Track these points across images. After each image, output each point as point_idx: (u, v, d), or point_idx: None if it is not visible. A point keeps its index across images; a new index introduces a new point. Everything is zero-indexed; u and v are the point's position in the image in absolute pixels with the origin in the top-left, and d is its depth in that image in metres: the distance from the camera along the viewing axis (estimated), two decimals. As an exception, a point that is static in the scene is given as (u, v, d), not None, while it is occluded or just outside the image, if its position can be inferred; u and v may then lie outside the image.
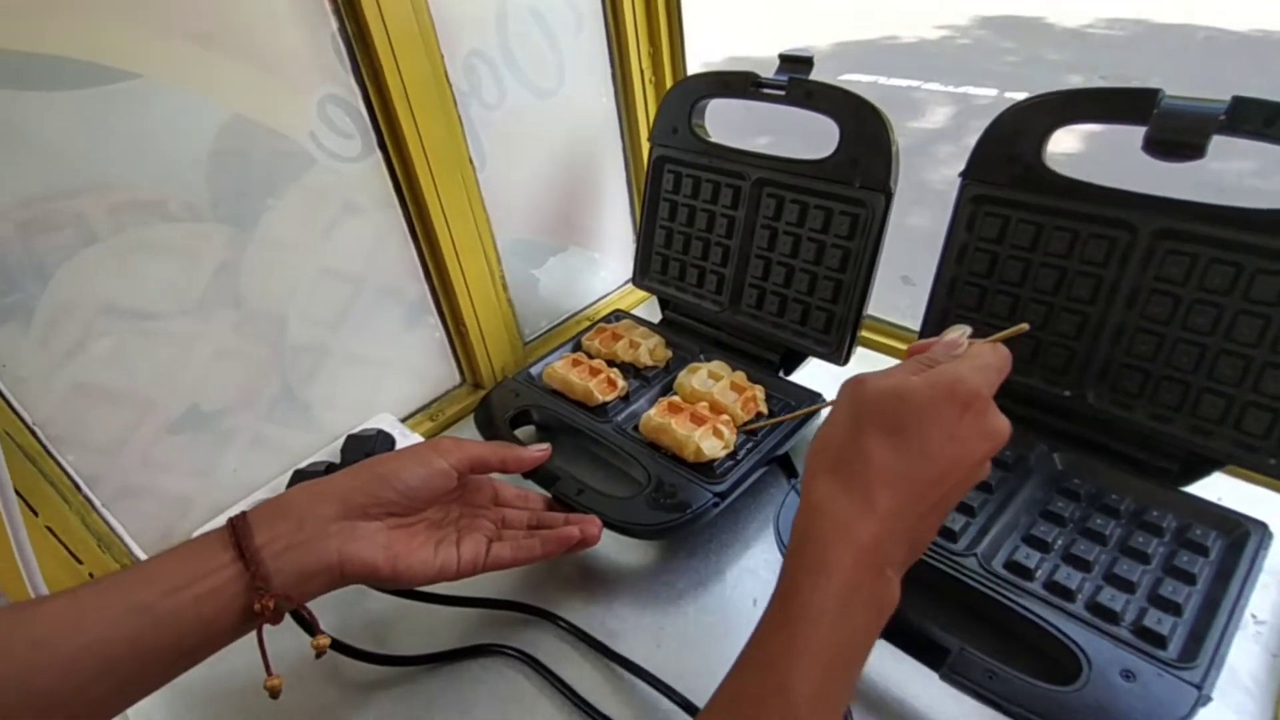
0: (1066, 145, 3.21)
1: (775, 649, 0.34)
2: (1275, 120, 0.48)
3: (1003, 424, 0.39)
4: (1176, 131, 0.51)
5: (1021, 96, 0.58)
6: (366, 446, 0.68)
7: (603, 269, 0.96)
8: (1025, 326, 0.47)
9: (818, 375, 0.73)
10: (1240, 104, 0.49)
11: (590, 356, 0.77)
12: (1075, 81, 4.50)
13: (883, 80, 4.79)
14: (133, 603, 0.41)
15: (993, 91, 4.49)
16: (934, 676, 0.47)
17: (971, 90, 4.54)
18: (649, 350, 0.76)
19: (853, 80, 4.81)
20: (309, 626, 0.51)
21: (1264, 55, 4.61)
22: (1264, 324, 0.51)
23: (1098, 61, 4.80)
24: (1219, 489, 0.57)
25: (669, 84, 0.87)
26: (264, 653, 0.45)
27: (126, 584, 0.42)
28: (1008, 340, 0.45)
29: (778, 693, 0.32)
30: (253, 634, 0.44)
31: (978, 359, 0.41)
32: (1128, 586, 0.49)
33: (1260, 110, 0.48)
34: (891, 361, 0.78)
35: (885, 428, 0.37)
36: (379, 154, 0.67)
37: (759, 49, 5.70)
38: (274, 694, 0.46)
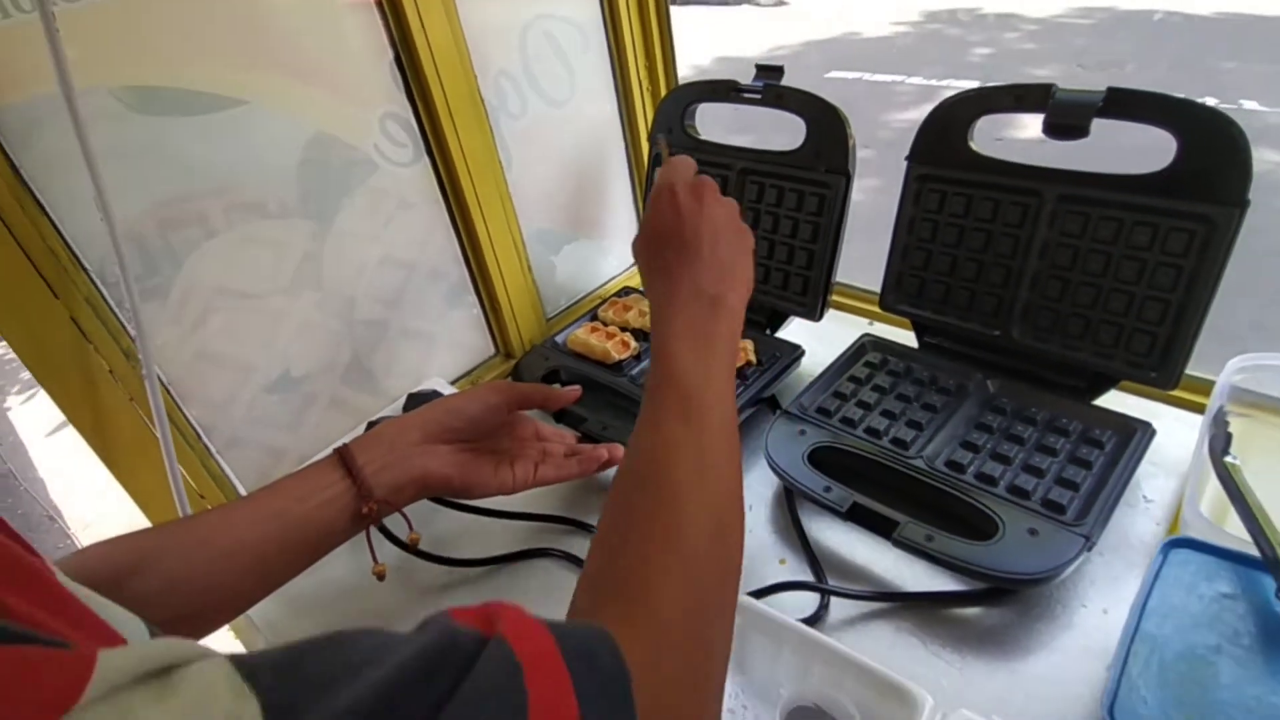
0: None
1: (659, 369, 0.48)
2: (1139, 105, 0.62)
3: (700, 181, 0.57)
4: (1066, 116, 0.65)
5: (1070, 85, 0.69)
6: (424, 400, 0.81)
7: (611, 254, 1.10)
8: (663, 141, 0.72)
9: (798, 331, 0.87)
10: (1113, 93, 0.63)
11: (605, 324, 0.90)
12: (1052, 69, 4.65)
13: (866, 76, 4.94)
14: (272, 509, 0.54)
15: (974, 83, 4.64)
16: (889, 546, 0.61)
17: (953, 83, 4.68)
18: (655, 317, 0.89)
19: (838, 77, 4.95)
20: (400, 543, 0.65)
21: (1230, 36, 4.75)
22: (1141, 265, 0.64)
23: (1070, 49, 4.94)
24: (1127, 403, 0.71)
25: (663, 91, 1.01)
26: (371, 546, 0.59)
27: (265, 496, 0.56)
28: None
29: (668, 380, 0.47)
30: (344, 554, 0.57)
31: (665, 170, 0.58)
32: (1038, 473, 0.63)
33: (1127, 98, 0.62)
34: (857, 320, 0.92)
35: (657, 245, 0.55)
36: (427, 159, 0.81)
37: (744, 49, 5.85)
38: (380, 577, 0.60)
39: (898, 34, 5.83)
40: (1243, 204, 0.59)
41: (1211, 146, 0.59)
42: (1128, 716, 0.44)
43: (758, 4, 7.30)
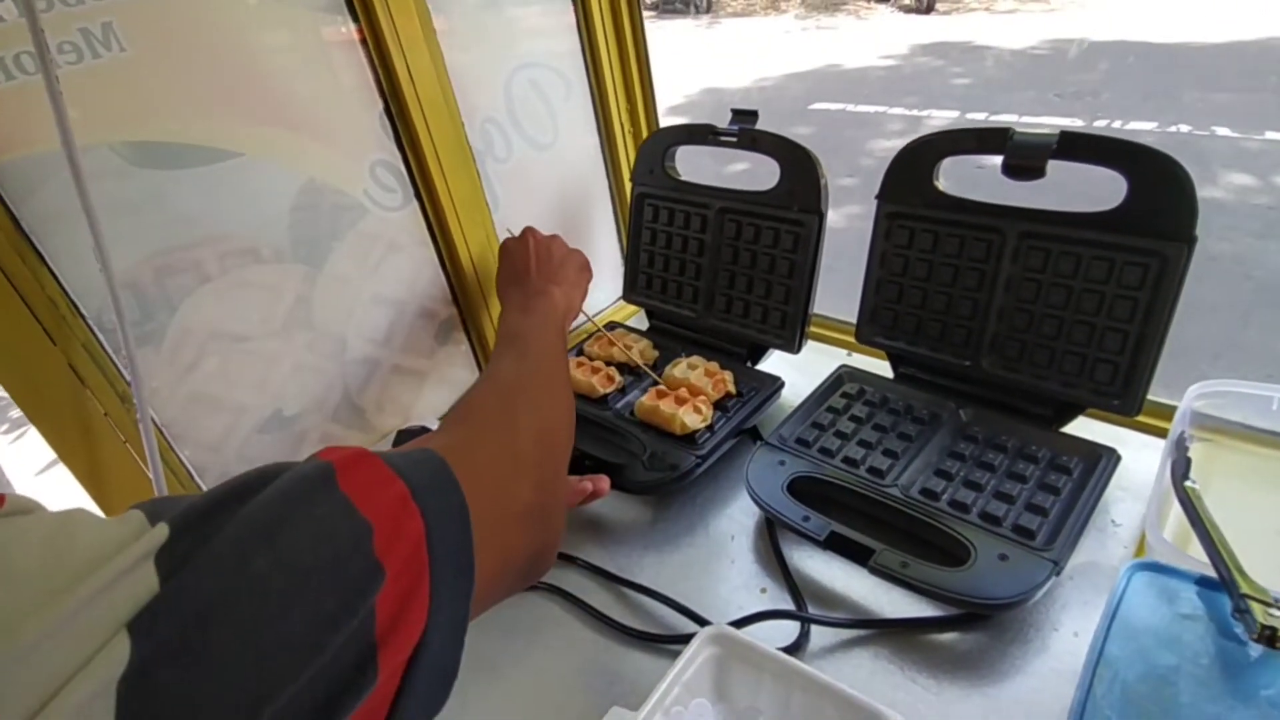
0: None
1: (498, 333, 0.68)
2: (1090, 147, 0.65)
3: (525, 230, 0.82)
4: (1023, 158, 0.68)
5: (981, 117, 0.74)
6: (414, 436, 0.83)
7: (596, 291, 1.12)
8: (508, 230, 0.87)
9: (778, 363, 0.89)
10: (1066, 136, 0.66)
11: (591, 359, 0.92)
12: (1029, 99, 4.78)
13: (850, 108, 5.05)
14: None
15: (954, 113, 4.76)
16: (867, 574, 0.62)
17: (934, 113, 4.80)
18: (640, 351, 0.92)
19: (822, 109, 5.07)
20: None
21: (1198, 64, 4.91)
22: (1100, 298, 0.67)
23: (1044, 80, 5.08)
24: (1095, 430, 0.73)
25: (644, 133, 1.05)
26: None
27: None
28: None
29: (502, 335, 0.66)
30: None
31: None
32: (1009, 499, 0.65)
33: (1079, 140, 0.66)
34: (835, 351, 0.94)
35: (506, 279, 0.80)
36: (415, 203, 0.84)
37: (732, 79, 5.99)
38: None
39: (878, 66, 5.99)
40: (1190, 240, 0.62)
41: (1158, 186, 0.62)
42: (1092, 737, 0.46)
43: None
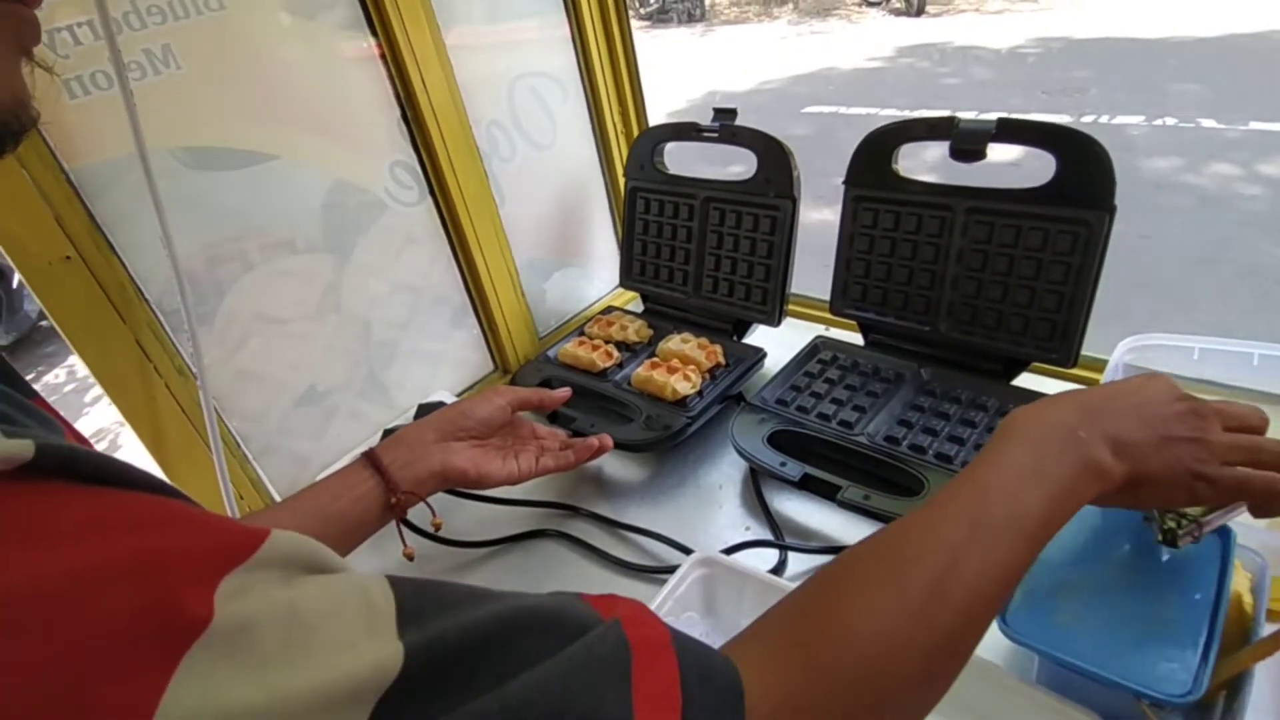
0: (1012, 155, 3.53)
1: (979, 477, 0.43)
2: (1024, 131, 0.74)
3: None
4: (967, 142, 0.77)
5: (970, 116, 0.80)
6: (432, 409, 0.92)
7: (595, 279, 1.22)
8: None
9: (762, 338, 0.98)
10: (1003, 122, 0.75)
11: (592, 339, 1.02)
12: (1018, 98, 4.87)
13: (842, 110, 5.15)
14: (311, 506, 0.64)
15: (944, 113, 4.85)
16: (838, 510, 0.71)
17: (925, 113, 4.89)
18: (635, 330, 1.01)
19: (814, 111, 5.17)
20: (422, 532, 0.75)
21: (1180, 57, 5.00)
22: (1037, 263, 0.76)
23: (1032, 78, 5.18)
24: (1043, 384, 0.82)
25: (635, 133, 1.14)
26: (400, 532, 0.69)
27: (305, 496, 0.65)
28: None
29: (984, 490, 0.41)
30: (372, 554, 0.67)
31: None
32: (960, 442, 0.74)
33: (1014, 125, 0.75)
34: (813, 325, 1.03)
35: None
36: (430, 200, 0.94)
37: (725, 86, 6.10)
38: (410, 559, 0.69)
39: (870, 69, 6.10)
40: (1111, 209, 0.71)
41: (1082, 164, 0.71)
42: (1018, 621, 0.54)
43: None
